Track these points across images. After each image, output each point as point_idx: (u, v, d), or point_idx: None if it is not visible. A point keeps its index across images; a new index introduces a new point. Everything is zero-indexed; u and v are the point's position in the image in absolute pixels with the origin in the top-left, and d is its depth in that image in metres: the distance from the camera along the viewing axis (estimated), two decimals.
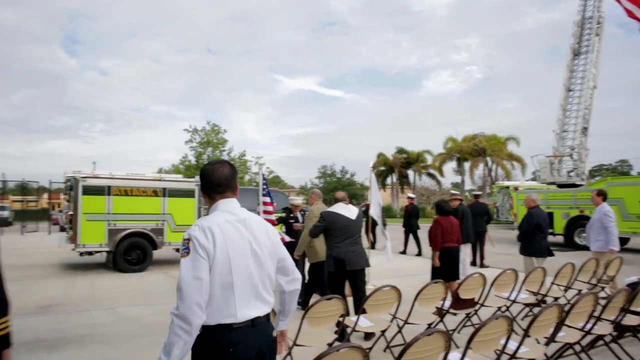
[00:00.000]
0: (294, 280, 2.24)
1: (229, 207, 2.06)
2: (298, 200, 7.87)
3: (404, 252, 13.16)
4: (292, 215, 7.47)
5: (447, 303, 4.80)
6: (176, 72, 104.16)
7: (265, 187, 7.34)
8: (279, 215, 7.92)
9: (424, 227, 9.63)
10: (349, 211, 5.15)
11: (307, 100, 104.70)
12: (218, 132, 33.21)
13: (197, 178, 11.30)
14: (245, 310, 1.93)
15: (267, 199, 7.18)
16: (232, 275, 1.90)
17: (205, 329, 1.90)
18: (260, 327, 1.99)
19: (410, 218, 13.38)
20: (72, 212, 9.54)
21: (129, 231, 9.76)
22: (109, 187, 9.59)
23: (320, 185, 44.31)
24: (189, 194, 10.57)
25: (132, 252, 9.84)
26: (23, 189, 25.44)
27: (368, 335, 4.83)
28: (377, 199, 8.22)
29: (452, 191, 10.38)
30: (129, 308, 6.48)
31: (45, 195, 33.14)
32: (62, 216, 15.50)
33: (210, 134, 33.05)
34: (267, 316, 2.05)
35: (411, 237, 13.25)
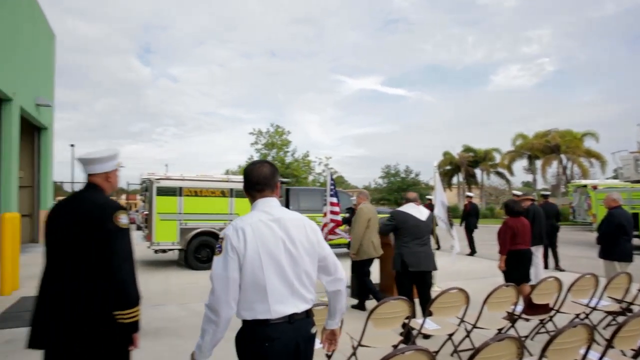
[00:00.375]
0: (336, 280, 2.23)
1: (265, 207, 2.11)
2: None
3: (471, 254, 12.85)
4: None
5: (519, 308, 4.57)
6: (242, 77, 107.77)
7: (332, 187, 7.38)
8: (343, 215, 7.95)
9: (485, 228, 9.26)
10: (420, 212, 5.13)
11: (370, 100, 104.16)
12: (282, 134, 33.88)
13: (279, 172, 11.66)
14: (281, 307, 1.98)
15: (334, 200, 7.22)
16: (264, 273, 1.97)
17: (245, 323, 2.02)
18: (297, 324, 2.02)
19: (469, 217, 13.01)
20: (147, 212, 10.14)
21: (198, 230, 10.20)
22: (180, 188, 10.07)
23: (384, 185, 43.90)
24: None
25: (202, 251, 10.27)
26: None
27: (427, 335, 4.70)
28: (441, 199, 8.00)
29: (515, 192, 9.84)
30: (199, 304, 6.77)
31: (124, 196, 35.54)
32: (139, 216, 16.53)
33: (274, 135, 33.79)
34: (306, 313, 2.08)
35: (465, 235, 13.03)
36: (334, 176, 7.87)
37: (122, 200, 35.08)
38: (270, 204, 2.13)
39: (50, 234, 2.39)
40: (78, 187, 2.42)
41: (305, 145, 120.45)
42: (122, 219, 2.34)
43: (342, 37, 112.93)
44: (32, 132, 15.27)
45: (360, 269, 6.46)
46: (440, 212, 7.98)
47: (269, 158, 33.42)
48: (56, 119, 16.77)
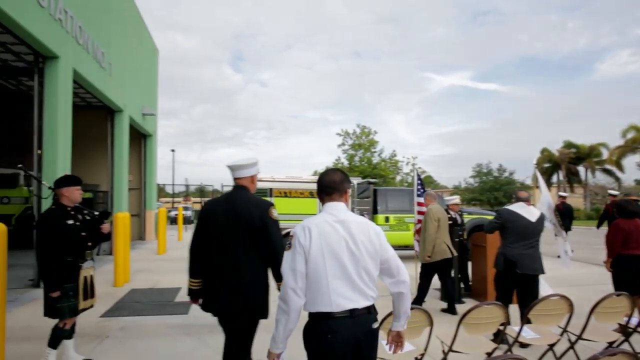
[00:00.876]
0: (399, 283, 2.32)
1: (332, 209, 2.31)
2: (456, 199, 7.65)
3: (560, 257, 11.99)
4: (450, 215, 7.31)
5: (634, 320, 4.12)
6: (328, 78, 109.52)
7: (420, 188, 7.21)
8: None
9: (589, 231, 8.40)
10: (529, 212, 4.82)
11: (459, 97, 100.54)
12: (368, 134, 33.82)
13: (351, 179, 11.73)
14: (342, 301, 2.15)
15: (421, 200, 7.05)
16: (327, 269, 2.15)
17: (310, 315, 2.21)
18: (358, 319, 2.17)
19: (563, 219, 12.10)
20: None
21: (287, 230, 10.47)
22: (271, 189, 10.44)
23: (476, 185, 42.04)
24: None
25: None
26: (201, 191, 29.32)
27: (524, 344, 4.38)
28: (547, 200, 7.40)
29: (611, 191, 8.80)
30: None
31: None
32: None
33: (361, 136, 33.83)
34: (368, 309, 2.21)
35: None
36: (422, 176, 7.68)
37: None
38: (337, 208, 2.32)
39: (211, 223, 3.07)
40: (228, 189, 3.58)
41: (392, 145, 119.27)
42: (274, 213, 3.01)
43: (428, 33, 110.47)
44: (139, 139, 16.75)
45: (439, 272, 6.32)
46: (546, 213, 7.46)
47: (356, 159, 33.55)
48: (159, 126, 18.25)
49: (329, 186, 2.35)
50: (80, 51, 9.12)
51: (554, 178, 39.51)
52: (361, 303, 2.18)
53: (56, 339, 4.01)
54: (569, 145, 38.06)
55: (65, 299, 3.88)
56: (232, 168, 3.18)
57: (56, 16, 7.79)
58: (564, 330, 3.90)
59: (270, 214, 2.97)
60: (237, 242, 2.94)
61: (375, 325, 2.25)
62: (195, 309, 6.40)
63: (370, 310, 2.23)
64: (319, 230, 2.20)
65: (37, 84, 7.96)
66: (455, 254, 6.39)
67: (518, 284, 4.75)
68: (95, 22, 10.03)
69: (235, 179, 3.18)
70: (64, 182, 4.08)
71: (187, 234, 20.40)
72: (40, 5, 7.17)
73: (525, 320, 3.87)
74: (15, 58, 9.84)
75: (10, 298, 5.77)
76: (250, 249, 2.93)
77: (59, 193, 4.03)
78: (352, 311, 2.15)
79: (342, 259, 2.18)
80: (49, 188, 4.18)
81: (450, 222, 7.18)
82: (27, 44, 7.52)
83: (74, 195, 4.06)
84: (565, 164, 37.32)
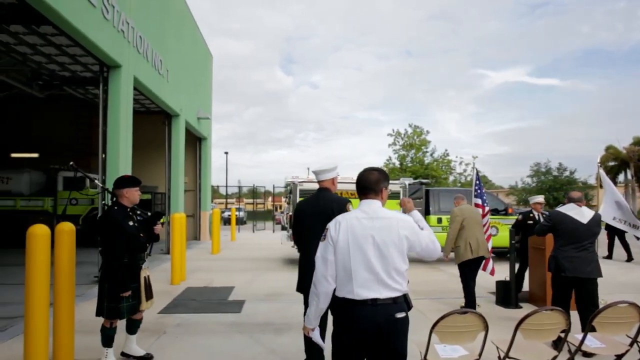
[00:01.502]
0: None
1: (365, 207, 2.49)
2: (539, 198, 7.48)
3: (609, 257, 11.66)
4: (532, 215, 7.19)
5: None
6: (378, 78, 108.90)
7: (478, 188, 6.95)
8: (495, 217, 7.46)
9: None
10: (581, 213, 4.63)
11: (515, 93, 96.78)
12: (420, 134, 33.25)
13: (402, 180, 11.60)
14: (364, 291, 2.32)
15: (478, 201, 6.80)
16: (351, 261, 2.35)
17: (337, 299, 2.42)
18: (381, 307, 2.31)
19: None
20: (291, 213, 10.78)
21: None
22: None
23: (533, 185, 40.24)
24: (393, 195, 10.83)
25: None
26: (253, 192, 29.96)
27: (588, 354, 4.14)
28: (615, 198, 6.96)
29: None
30: None
31: (270, 198, 38.39)
32: (284, 217, 17.66)
33: (413, 136, 33.31)
34: (394, 299, 2.34)
35: (617, 240, 11.79)
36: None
37: (269, 202, 37.95)
38: (370, 206, 2.48)
39: (301, 219, 3.91)
40: (316, 189, 4.13)
41: (444, 144, 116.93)
42: (350, 208, 3.50)
43: (481, 28, 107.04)
44: (195, 142, 17.38)
45: (462, 272, 6.26)
46: (618, 214, 7.04)
47: (408, 159, 33.06)
48: (213, 130, 18.83)
49: (364, 186, 2.54)
50: (140, 59, 9.59)
51: (621, 177, 37.08)
52: (383, 294, 2.32)
53: (107, 338, 4.07)
54: (638, 141, 35.58)
55: (125, 299, 3.96)
56: (316, 173, 3.83)
57: (119, 28, 8.24)
58: (635, 341, 3.65)
59: (347, 208, 3.52)
60: (321, 232, 3.13)
61: (400, 315, 2.35)
62: (248, 307, 6.57)
63: (397, 301, 2.35)
64: (348, 224, 2.41)
65: (102, 91, 8.45)
66: (482, 253, 6.23)
67: (574, 288, 4.60)
68: (153, 31, 10.52)
69: (319, 181, 3.85)
70: (124, 182, 4.16)
71: (239, 234, 20.91)
72: (105, 18, 7.61)
73: (589, 328, 3.65)
74: (83, 69, 10.53)
75: (78, 293, 6.15)
76: None
77: (120, 194, 4.11)
78: (374, 300, 2.31)
79: (367, 253, 2.34)
80: (104, 189, 4.30)
81: (531, 222, 7.06)
82: (93, 55, 8.00)
83: (133, 196, 4.15)
84: (634, 161, 34.88)
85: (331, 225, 2.47)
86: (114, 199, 4.20)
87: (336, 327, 2.45)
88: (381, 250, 2.34)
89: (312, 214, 3.72)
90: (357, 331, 2.33)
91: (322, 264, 2.43)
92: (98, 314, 4.03)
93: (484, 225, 6.62)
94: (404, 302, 2.39)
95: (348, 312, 2.36)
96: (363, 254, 2.34)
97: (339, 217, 2.50)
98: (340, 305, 2.41)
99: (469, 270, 6.20)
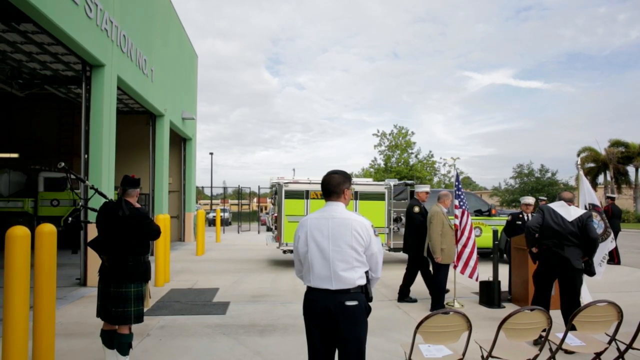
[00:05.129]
0: (374, 279, 2.76)
1: (327, 208, 2.73)
2: (530, 199, 7.55)
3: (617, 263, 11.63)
4: (521, 216, 7.34)
5: None
6: (365, 80, 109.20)
7: (457, 189, 6.99)
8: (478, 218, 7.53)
9: (630, 234, 8.00)
10: (567, 211, 4.89)
11: (500, 96, 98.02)
12: (405, 135, 33.45)
13: (387, 181, 11.65)
14: (319, 282, 2.63)
15: (457, 202, 6.86)
16: (310, 256, 2.65)
17: (307, 287, 2.74)
18: (332, 295, 2.58)
19: (612, 221, 11.60)
20: (276, 214, 10.76)
21: None
22: (307, 191, 10.49)
23: (516, 186, 40.80)
24: (379, 197, 10.87)
25: None
26: (238, 193, 29.78)
27: (568, 351, 4.21)
28: (590, 200, 7.07)
29: (610, 194, 8.38)
30: None
31: (255, 199, 38.22)
32: (269, 218, 17.62)
33: (398, 137, 33.50)
34: (347, 290, 2.58)
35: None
36: (460, 177, 7.46)
37: (254, 203, 37.80)
38: (332, 207, 2.72)
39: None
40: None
41: (430, 145, 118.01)
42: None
43: (468, 31, 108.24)
44: (179, 142, 17.22)
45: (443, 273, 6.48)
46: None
47: (393, 160, 33.23)
48: (198, 130, 18.69)
49: (327, 189, 2.77)
50: (124, 59, 9.48)
51: (600, 179, 37.81)
52: (334, 285, 2.59)
53: (129, 346, 3.94)
54: (616, 143, 36.28)
55: (141, 301, 3.94)
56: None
57: (102, 26, 8.13)
58: (612, 339, 3.73)
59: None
60: None
61: (350, 303, 2.57)
62: (233, 309, 6.54)
63: (351, 291, 2.59)
64: (310, 224, 2.70)
65: (85, 91, 8.32)
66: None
67: (556, 280, 4.90)
68: (137, 31, 10.40)
69: None
70: (137, 183, 4.12)
71: (224, 235, 20.78)
72: (87, 16, 7.50)
73: (569, 326, 3.72)
74: (65, 67, 10.35)
75: (59, 296, 6.04)
76: None
77: (134, 193, 4.08)
78: (327, 290, 2.60)
79: (325, 249, 2.62)
80: (96, 191, 4.23)
81: (519, 222, 7.23)
82: (75, 54, 7.88)
83: (135, 197, 4.15)
84: (613, 163, 35.63)
85: (298, 225, 2.79)
86: (117, 197, 4.09)
87: (303, 310, 2.76)
88: (338, 246, 2.60)
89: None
90: (311, 315, 2.67)
91: (295, 259, 2.86)
92: (123, 322, 3.86)
93: (463, 228, 6.65)
94: (360, 292, 2.63)
95: (308, 299, 2.70)
96: (322, 251, 2.62)
97: (304, 218, 2.79)
98: (306, 292, 2.75)
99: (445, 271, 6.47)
